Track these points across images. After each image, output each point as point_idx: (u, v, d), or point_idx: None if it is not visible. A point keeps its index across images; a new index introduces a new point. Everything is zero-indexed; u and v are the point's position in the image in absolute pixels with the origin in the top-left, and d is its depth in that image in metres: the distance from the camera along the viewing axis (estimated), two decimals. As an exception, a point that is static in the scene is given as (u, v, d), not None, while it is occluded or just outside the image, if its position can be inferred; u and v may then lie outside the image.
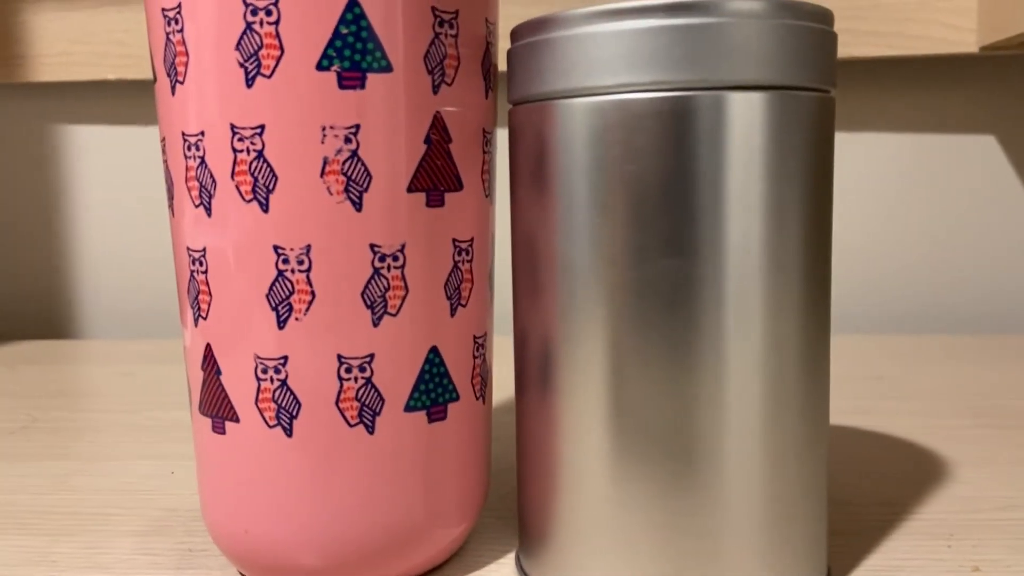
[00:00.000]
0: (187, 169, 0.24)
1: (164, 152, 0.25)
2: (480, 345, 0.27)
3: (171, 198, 0.25)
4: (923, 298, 0.64)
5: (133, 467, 0.37)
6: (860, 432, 0.39)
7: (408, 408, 0.24)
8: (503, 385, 0.48)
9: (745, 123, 0.22)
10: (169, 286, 0.69)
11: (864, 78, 0.62)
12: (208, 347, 0.24)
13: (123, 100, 0.69)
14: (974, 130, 0.63)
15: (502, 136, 0.61)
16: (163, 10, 0.23)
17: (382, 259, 0.23)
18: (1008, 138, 0.62)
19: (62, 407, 0.47)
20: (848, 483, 0.33)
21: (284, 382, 0.23)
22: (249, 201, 0.23)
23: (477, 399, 0.27)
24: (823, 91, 0.23)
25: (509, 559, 0.28)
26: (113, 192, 0.70)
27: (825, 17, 0.23)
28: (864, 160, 0.63)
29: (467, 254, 0.25)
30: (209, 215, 0.24)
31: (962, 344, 0.57)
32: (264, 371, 0.24)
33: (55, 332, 0.71)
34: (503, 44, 0.57)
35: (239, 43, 0.22)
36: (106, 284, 0.71)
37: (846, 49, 0.58)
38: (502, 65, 0.56)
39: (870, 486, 0.33)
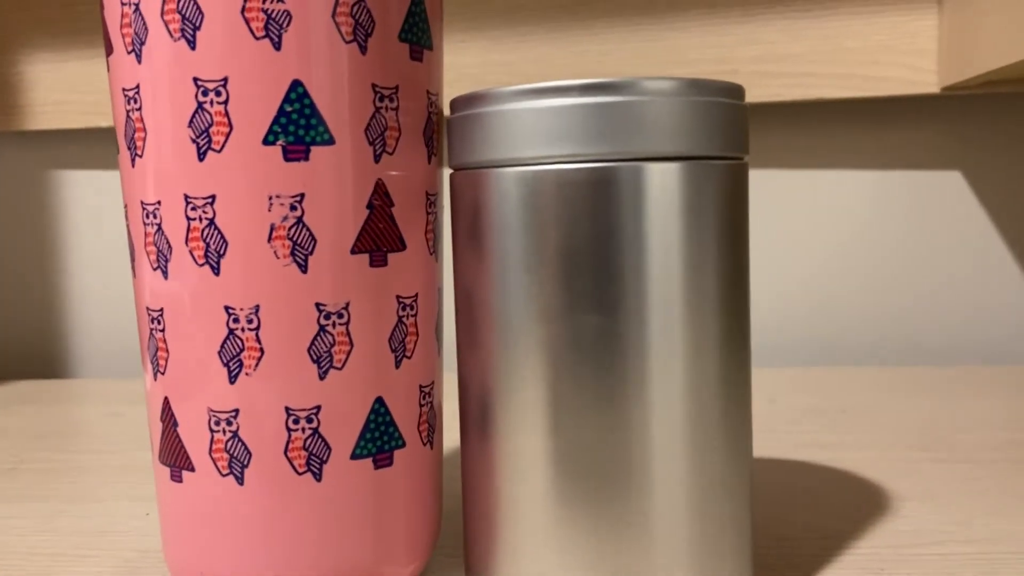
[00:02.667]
0: (146, 235, 0.26)
1: (127, 218, 0.27)
2: (427, 393, 0.28)
3: (132, 260, 0.27)
4: (891, 331, 0.65)
5: (112, 508, 0.39)
6: (811, 466, 0.41)
7: (354, 456, 0.26)
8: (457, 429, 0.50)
9: (662, 190, 0.24)
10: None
11: (831, 118, 0.64)
12: (166, 400, 0.26)
13: (115, 147, 0.71)
14: (940, 166, 0.64)
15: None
16: (123, 89, 0.25)
17: (327, 316, 0.25)
18: (973, 173, 0.64)
19: (49, 447, 0.49)
20: (788, 518, 0.35)
21: (236, 433, 0.25)
22: (202, 265, 0.25)
23: (425, 444, 0.28)
24: (735, 158, 0.25)
25: (458, 596, 0.29)
26: (105, 236, 0.72)
27: (735, 92, 0.25)
28: (831, 197, 0.65)
29: (411, 309, 0.27)
30: (166, 277, 0.25)
31: (927, 376, 0.58)
32: (217, 423, 0.25)
33: (48, 371, 0.73)
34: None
35: (191, 121, 0.24)
36: (98, 325, 0.73)
37: (811, 91, 0.60)
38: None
39: (811, 519, 0.34)
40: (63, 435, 0.52)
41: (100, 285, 0.72)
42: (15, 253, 0.73)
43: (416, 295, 0.27)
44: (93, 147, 0.71)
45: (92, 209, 0.72)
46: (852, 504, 0.36)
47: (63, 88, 0.67)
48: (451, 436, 0.47)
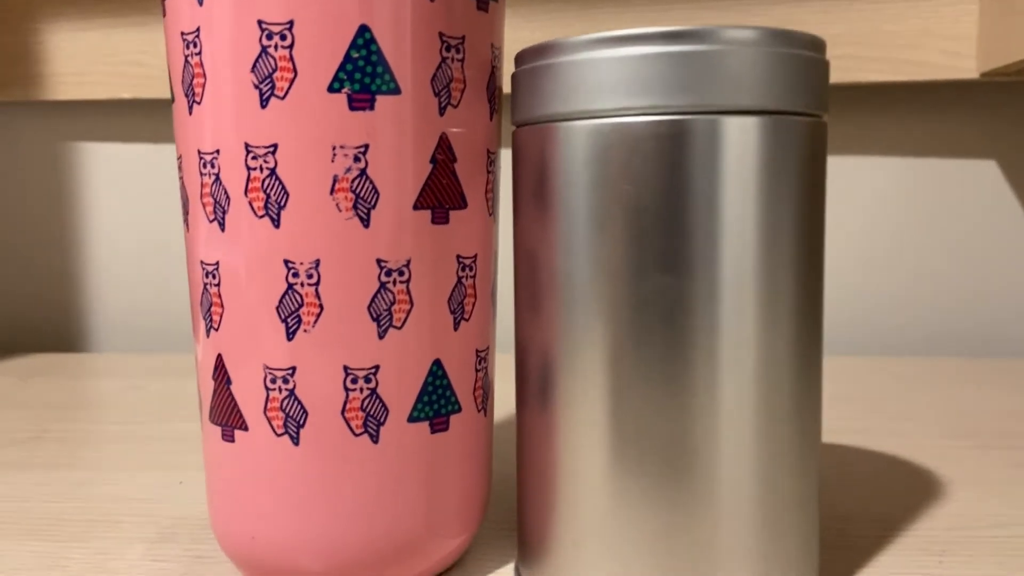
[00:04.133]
0: (202, 186, 0.25)
1: (180, 169, 0.26)
2: (482, 359, 0.27)
3: (186, 213, 0.26)
4: (924, 321, 0.65)
5: (142, 477, 0.38)
6: (855, 450, 0.40)
7: (411, 419, 0.25)
8: (505, 402, 0.49)
9: (739, 146, 0.23)
10: (179, 302, 0.70)
11: (867, 103, 0.63)
12: (219, 357, 0.25)
13: (138, 119, 0.70)
14: (975, 155, 0.63)
15: (506, 156, 0.62)
16: (182, 33, 0.24)
17: (388, 274, 0.24)
18: (1009, 163, 0.63)
19: (72, 419, 0.48)
20: (841, 499, 0.34)
21: (292, 392, 0.24)
22: (261, 217, 0.24)
23: (479, 411, 0.27)
24: (815, 116, 0.24)
25: (508, 570, 0.28)
26: (126, 209, 0.71)
27: (817, 45, 0.24)
28: (866, 183, 0.64)
29: (470, 270, 0.26)
30: (223, 230, 0.24)
31: (960, 367, 0.58)
32: (273, 381, 0.24)
33: (67, 345, 0.72)
34: (508, 68, 0.58)
35: (254, 66, 0.23)
36: (118, 299, 0.72)
37: (848, 74, 0.59)
38: (507, 88, 0.57)
39: (863, 503, 0.34)
40: (85, 407, 0.51)
41: (119, 258, 0.71)
42: (34, 225, 0.72)
43: (476, 256, 0.26)
44: (114, 119, 0.70)
45: (112, 182, 0.71)
46: (902, 488, 0.35)
47: (84, 59, 0.66)
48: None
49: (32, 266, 0.72)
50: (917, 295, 0.65)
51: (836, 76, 0.59)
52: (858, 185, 0.64)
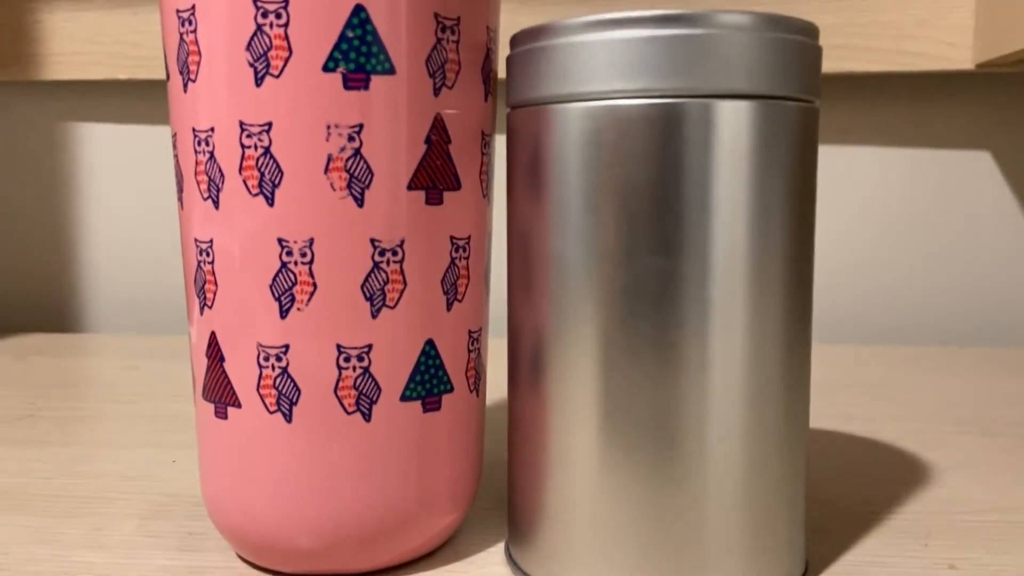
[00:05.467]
0: (196, 163, 0.25)
1: (175, 147, 0.26)
2: (475, 339, 0.28)
3: (180, 191, 0.26)
4: (918, 310, 0.65)
5: (136, 455, 0.38)
6: (845, 436, 0.40)
7: (404, 398, 0.25)
8: (497, 384, 0.49)
9: (731, 130, 0.23)
10: (175, 282, 0.70)
11: (862, 93, 0.63)
12: (213, 335, 0.25)
13: (133, 99, 0.70)
14: (970, 145, 0.64)
15: (500, 139, 0.62)
16: (177, 11, 0.24)
17: (382, 253, 0.24)
18: (1003, 154, 0.63)
19: (67, 397, 0.48)
20: (829, 483, 0.34)
21: (285, 370, 0.24)
22: (255, 195, 0.24)
23: (471, 392, 0.28)
24: (807, 101, 0.24)
25: (499, 548, 0.29)
26: (121, 189, 0.71)
27: (810, 31, 0.24)
28: (860, 173, 0.64)
29: (464, 251, 0.26)
30: (217, 208, 0.25)
31: (952, 355, 0.58)
32: (266, 359, 0.25)
33: (62, 325, 0.72)
34: (503, 50, 0.58)
35: (249, 44, 0.23)
36: (113, 279, 0.72)
37: (844, 64, 0.59)
38: (502, 70, 0.57)
39: (851, 486, 0.34)
40: (79, 385, 0.51)
41: (115, 239, 0.71)
42: (30, 205, 0.72)
43: (469, 237, 0.27)
44: (110, 99, 0.70)
45: (108, 162, 0.71)
46: (890, 473, 0.36)
47: (81, 38, 0.66)
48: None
49: (28, 246, 0.72)
50: (910, 284, 0.65)
51: (831, 66, 0.59)
52: (854, 175, 0.64)
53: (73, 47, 0.67)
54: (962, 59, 0.58)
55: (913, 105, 0.63)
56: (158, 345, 0.62)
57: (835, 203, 0.64)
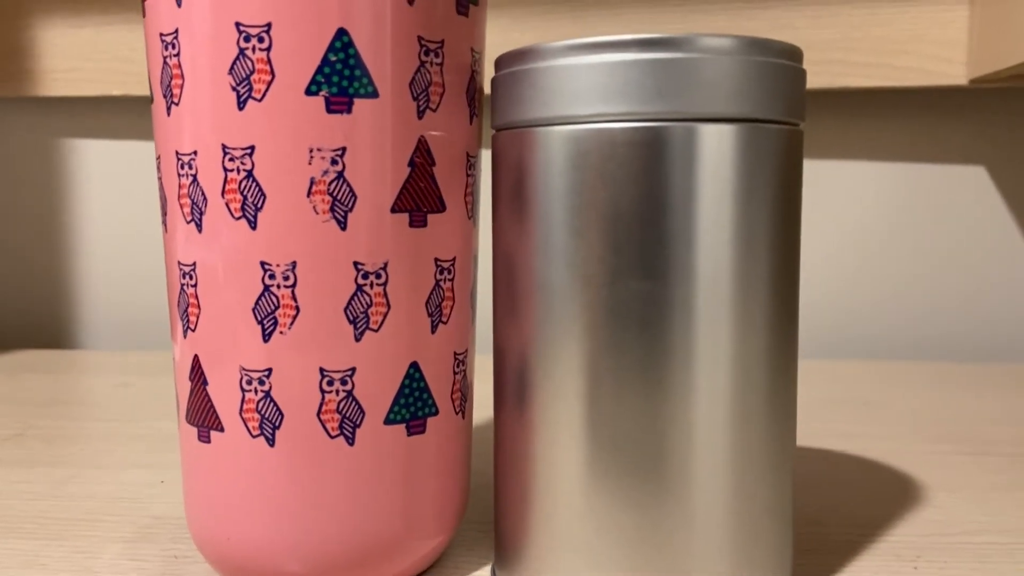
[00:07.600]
0: (180, 187, 0.25)
1: (159, 169, 0.26)
2: (460, 361, 0.27)
3: (164, 214, 0.26)
4: (911, 326, 0.65)
5: (125, 475, 0.38)
6: (838, 455, 0.40)
7: (388, 421, 0.25)
8: (485, 403, 0.49)
9: (715, 153, 0.23)
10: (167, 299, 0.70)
11: (856, 108, 0.63)
12: (196, 358, 0.25)
13: (128, 116, 0.70)
14: (964, 161, 0.64)
15: (487, 159, 0.62)
16: (161, 35, 0.24)
17: (365, 276, 0.24)
18: (998, 169, 0.63)
19: (57, 415, 0.48)
20: (820, 503, 0.34)
21: (268, 393, 0.24)
22: (238, 218, 0.24)
23: (457, 413, 0.27)
24: (791, 124, 0.24)
25: (485, 571, 0.29)
26: (115, 205, 0.71)
27: (793, 54, 0.24)
28: (855, 188, 0.64)
29: (449, 273, 0.26)
30: (200, 231, 0.24)
31: (945, 372, 0.58)
32: (249, 382, 0.24)
33: (56, 342, 0.72)
34: (490, 71, 0.58)
35: (232, 67, 0.23)
36: (108, 294, 0.72)
37: (838, 79, 0.59)
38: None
39: (842, 507, 0.34)
40: (70, 403, 0.51)
41: (109, 255, 0.71)
42: (25, 221, 0.72)
43: (454, 259, 0.26)
44: (105, 116, 0.70)
45: (103, 178, 0.71)
46: (882, 493, 0.35)
47: (76, 55, 0.66)
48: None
49: (22, 262, 0.72)
50: (905, 300, 0.65)
51: (826, 81, 0.59)
52: (847, 189, 0.64)
53: (68, 64, 0.67)
54: (956, 75, 0.58)
55: (907, 120, 0.63)
56: (153, 361, 0.62)
57: (829, 218, 0.64)
